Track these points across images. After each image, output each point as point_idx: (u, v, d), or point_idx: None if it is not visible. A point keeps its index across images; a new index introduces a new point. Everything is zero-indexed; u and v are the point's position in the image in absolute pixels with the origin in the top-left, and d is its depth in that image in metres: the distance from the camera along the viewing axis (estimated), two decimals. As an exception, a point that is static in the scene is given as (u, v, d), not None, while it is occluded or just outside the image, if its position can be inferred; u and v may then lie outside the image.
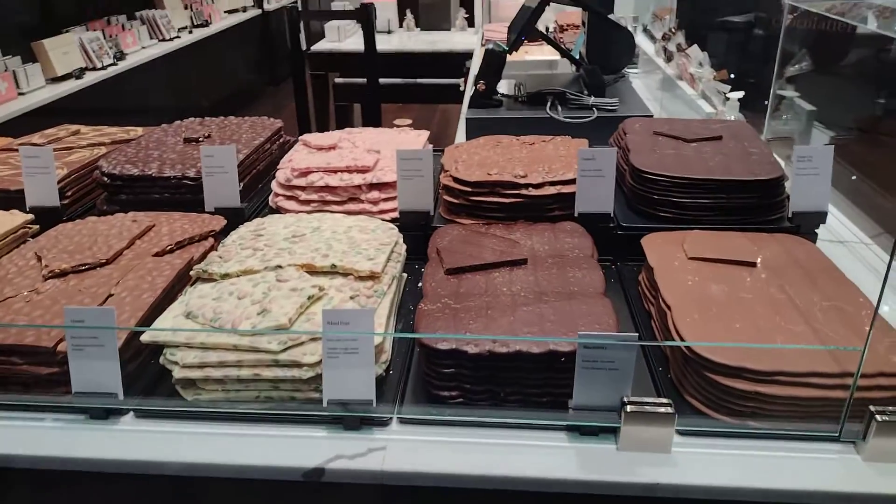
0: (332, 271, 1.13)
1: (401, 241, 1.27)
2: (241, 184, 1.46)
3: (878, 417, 0.86)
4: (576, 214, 1.33)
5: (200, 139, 1.63)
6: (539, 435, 0.92)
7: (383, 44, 4.42)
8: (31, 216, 1.40)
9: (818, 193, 1.29)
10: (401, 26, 4.95)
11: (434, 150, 1.58)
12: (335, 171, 1.46)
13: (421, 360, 1.00)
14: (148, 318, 1.06)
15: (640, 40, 3.02)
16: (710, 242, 1.21)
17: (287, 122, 1.85)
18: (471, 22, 4.85)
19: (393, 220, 1.38)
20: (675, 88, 2.43)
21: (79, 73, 4.35)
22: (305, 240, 1.23)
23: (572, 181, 1.34)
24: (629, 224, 1.33)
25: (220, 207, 1.43)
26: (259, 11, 7.20)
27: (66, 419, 1.00)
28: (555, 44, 2.18)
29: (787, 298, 1.05)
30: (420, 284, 1.26)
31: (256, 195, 1.58)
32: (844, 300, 1.04)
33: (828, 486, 0.84)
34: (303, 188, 1.45)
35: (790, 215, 1.32)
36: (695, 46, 2.17)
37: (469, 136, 1.93)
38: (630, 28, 2.54)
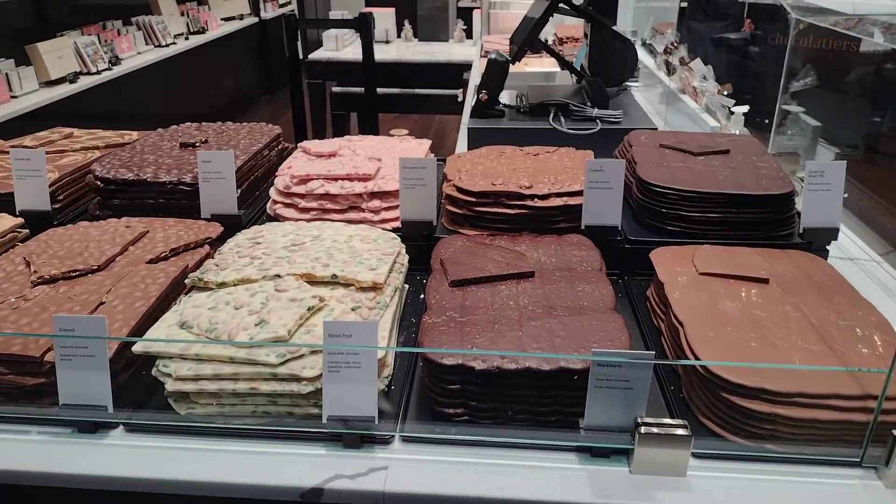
0: (333, 281, 1.10)
1: (403, 251, 1.23)
2: (239, 190, 1.42)
3: (901, 442, 0.83)
4: (582, 227, 1.30)
5: (197, 144, 1.59)
6: (548, 456, 0.88)
7: (381, 53, 4.41)
8: (20, 220, 1.36)
9: (830, 209, 1.26)
10: (399, 36, 4.94)
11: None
12: (336, 179, 1.43)
13: (425, 376, 0.96)
14: (140, 328, 1.02)
15: (640, 54, 3.01)
16: (721, 258, 1.18)
17: (284, 131, 1.82)
18: (469, 33, 4.85)
19: (394, 230, 1.34)
20: (678, 102, 2.42)
21: (73, 77, 4.31)
22: (305, 248, 1.19)
23: (579, 193, 1.31)
24: (636, 237, 1.30)
25: (216, 214, 1.39)
26: (256, 19, 7.20)
27: (51, 432, 0.95)
28: (557, 55, 2.16)
29: (802, 317, 1.02)
30: (422, 296, 1.23)
31: (254, 202, 1.54)
32: (861, 319, 1.01)
33: (849, 513, 0.81)
34: (302, 195, 1.41)
35: (801, 231, 1.30)
36: (697, 60, 2.16)
37: (471, 146, 1.91)
38: (631, 41, 2.53)
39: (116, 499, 0.91)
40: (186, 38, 5.83)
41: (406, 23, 4.86)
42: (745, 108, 1.84)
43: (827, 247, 1.30)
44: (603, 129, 1.86)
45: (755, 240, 1.29)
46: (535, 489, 0.84)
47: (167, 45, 5.48)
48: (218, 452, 0.91)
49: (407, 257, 1.24)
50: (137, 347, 0.96)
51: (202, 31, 6.10)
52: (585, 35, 2.30)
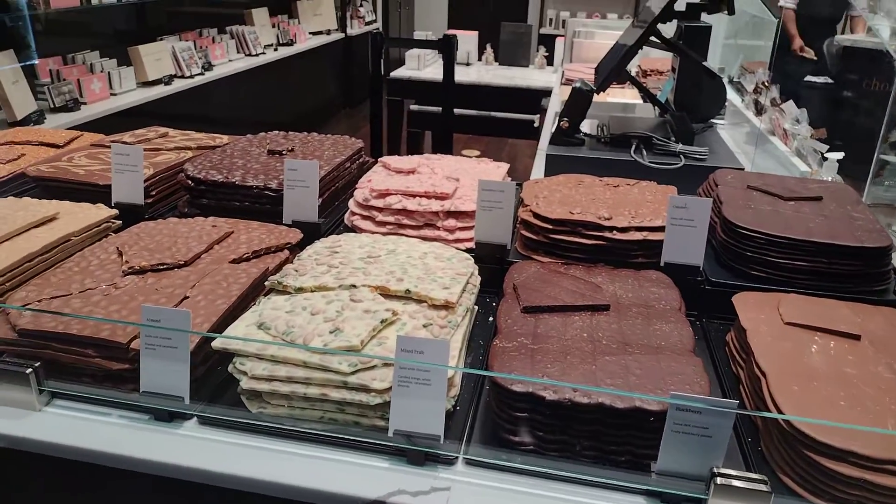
0: (406, 296, 1.10)
1: (476, 272, 1.23)
2: (320, 199, 1.46)
3: None
4: (661, 264, 1.26)
5: (284, 152, 1.65)
6: (616, 497, 0.85)
7: (462, 75, 4.46)
8: (115, 211, 1.43)
9: (932, 267, 1.19)
10: (480, 59, 4.99)
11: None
12: (413, 196, 1.44)
13: (492, 400, 0.95)
14: (221, 325, 1.05)
15: (728, 92, 2.93)
16: (809, 308, 1.12)
17: (365, 145, 1.86)
18: (550, 60, 4.85)
19: (468, 250, 1.35)
20: (766, 143, 2.34)
21: (168, 80, 4.55)
22: (380, 261, 1.21)
23: (660, 228, 1.28)
24: (718, 279, 1.26)
25: (297, 221, 1.43)
26: (342, 35, 7.43)
27: (130, 417, 0.99)
28: (642, 87, 2.13)
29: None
30: (491, 319, 1.22)
31: (333, 212, 1.58)
32: (964, 388, 0.94)
33: None
34: (380, 209, 1.44)
35: (897, 288, 1.23)
36: (790, 102, 2.08)
37: (548, 173, 1.90)
38: (719, 78, 2.47)
39: (184, 487, 0.94)
40: (276, 49, 6.08)
41: (488, 46, 4.92)
42: (840, 155, 1.76)
43: (926, 307, 1.22)
44: (686, 166, 1.82)
45: (845, 293, 1.22)
46: (599, 530, 0.81)
47: (257, 55, 5.72)
48: (284, 454, 0.93)
49: (479, 279, 1.24)
50: (216, 343, 0.99)
51: (291, 43, 6.34)
52: (673, 69, 2.26)
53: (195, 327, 1.01)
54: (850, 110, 4.75)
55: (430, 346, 0.89)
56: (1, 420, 0.97)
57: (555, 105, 3.25)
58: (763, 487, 0.79)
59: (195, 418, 0.98)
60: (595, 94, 1.94)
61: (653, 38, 2.00)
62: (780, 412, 0.87)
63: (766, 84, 2.37)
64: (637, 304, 1.11)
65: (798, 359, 0.99)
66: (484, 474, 0.89)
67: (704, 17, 2.22)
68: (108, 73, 4.14)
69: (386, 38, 4.06)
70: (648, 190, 1.49)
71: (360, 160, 1.78)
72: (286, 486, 0.88)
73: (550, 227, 1.33)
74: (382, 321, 1.02)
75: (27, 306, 1.05)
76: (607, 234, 1.30)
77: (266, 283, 1.15)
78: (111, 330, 1.00)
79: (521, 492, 0.86)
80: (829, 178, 1.77)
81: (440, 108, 4.37)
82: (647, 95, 2.18)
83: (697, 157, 1.84)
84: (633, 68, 3.45)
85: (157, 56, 4.50)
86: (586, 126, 2.06)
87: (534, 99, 4.30)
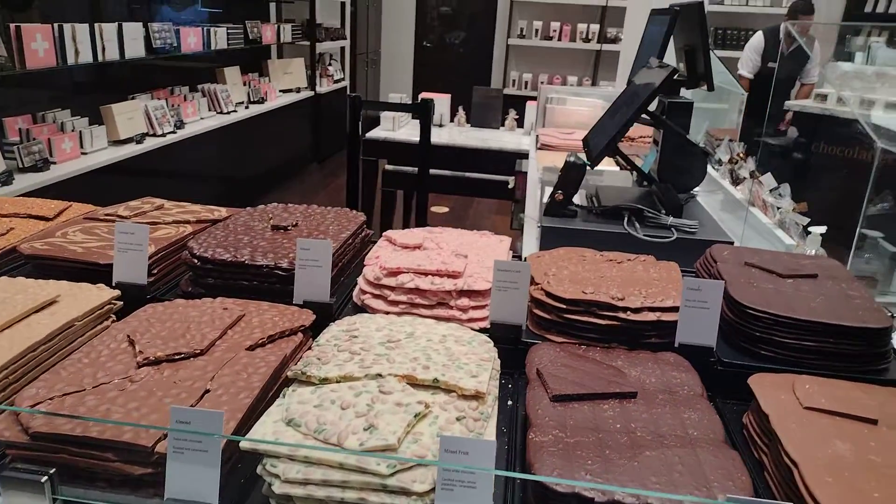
0: (434, 385, 1.09)
1: (496, 356, 1.23)
2: (330, 278, 1.45)
3: None
4: (676, 345, 1.29)
5: (288, 227, 1.64)
6: None
7: (435, 136, 4.54)
8: (117, 292, 1.39)
9: (933, 348, 1.24)
10: (451, 121, 5.10)
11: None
12: (425, 274, 1.45)
13: (532, 498, 0.94)
14: (245, 421, 1.02)
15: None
16: (825, 391, 1.15)
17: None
18: (520, 122, 4.99)
19: (482, 330, 1.35)
20: (739, 210, 2.44)
21: (140, 138, 4.51)
22: (401, 346, 1.20)
23: (672, 309, 1.31)
24: (729, 360, 1.29)
25: (308, 301, 1.41)
26: (312, 93, 7.51)
27: (151, 525, 0.94)
28: (630, 162, 2.21)
29: (921, 466, 0.98)
30: (510, 402, 1.22)
31: (341, 289, 1.56)
32: None
33: None
34: (392, 288, 1.43)
35: (901, 367, 1.27)
36: (769, 175, 2.19)
37: (544, 244, 1.93)
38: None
39: None
40: (247, 107, 6.10)
41: (460, 109, 5.03)
42: (823, 229, 1.85)
43: (929, 385, 1.27)
44: (679, 239, 1.87)
45: (850, 372, 1.26)
46: None
47: (228, 113, 5.73)
48: (320, 563, 0.89)
49: (499, 362, 1.24)
50: (245, 444, 0.96)
51: (262, 101, 6.38)
52: (655, 141, 2.36)
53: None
54: (806, 171, 5.00)
55: (475, 446, 0.87)
56: (11, 533, 0.91)
57: (532, 169, 3.33)
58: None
59: (224, 526, 0.93)
60: (589, 168, 2.00)
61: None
62: (819, 506, 0.88)
63: (742, 156, 2.49)
64: (661, 391, 1.13)
65: (824, 447, 1.01)
66: (532, 580, 0.87)
67: (684, 91, 2.34)
68: (80, 132, 4.08)
69: (365, 102, 4.12)
70: (652, 267, 1.53)
71: (363, 234, 1.78)
72: None
73: (564, 306, 1.35)
74: (416, 415, 1.00)
75: (37, 406, 1.00)
76: (621, 315, 1.32)
77: (289, 373, 1.13)
78: (133, 432, 0.95)
79: None
80: (813, 251, 1.85)
81: (415, 168, 4.43)
82: (635, 169, 2.25)
83: (688, 229, 1.91)
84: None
85: (129, 115, 4.46)
86: (576, 196, 2.11)
87: (506, 160, 4.39)
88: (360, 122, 4.15)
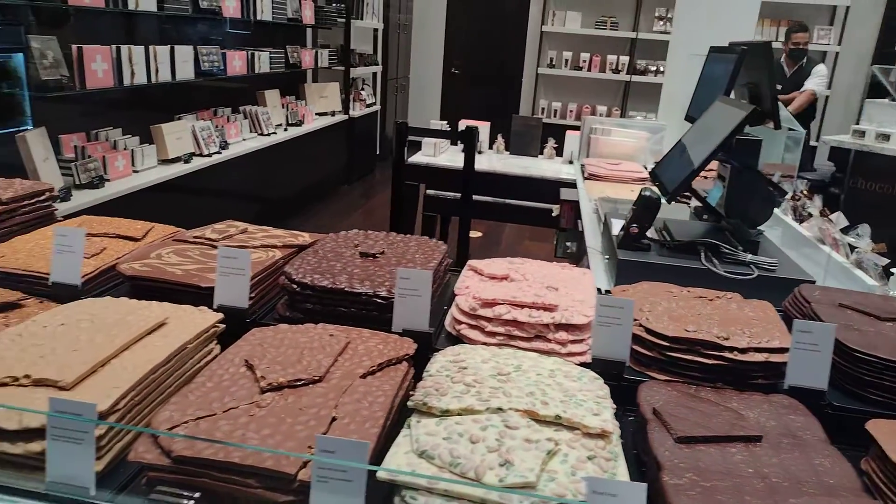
0: (556, 422, 1.09)
1: (608, 393, 1.23)
2: (426, 307, 1.46)
3: None
4: (786, 387, 1.28)
5: (376, 255, 1.66)
6: None
7: (476, 163, 4.57)
8: (220, 315, 1.41)
9: None
10: (490, 148, 5.14)
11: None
12: (521, 306, 1.45)
13: (671, 540, 0.93)
14: (376, 451, 1.02)
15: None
16: (947, 439, 1.14)
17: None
18: (559, 151, 5.02)
19: (582, 364, 1.35)
20: (803, 247, 2.43)
21: (188, 158, 4.58)
22: (513, 380, 1.20)
23: (780, 350, 1.31)
24: (841, 404, 1.28)
25: (407, 329, 1.42)
26: (346, 117, 7.61)
27: (289, 554, 0.94)
28: (702, 198, 2.22)
29: None
30: (622, 440, 1.21)
31: (432, 318, 1.57)
32: None
33: None
34: (489, 319, 1.44)
35: None
36: (839, 213, 2.19)
37: (620, 279, 1.93)
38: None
39: None
40: (285, 129, 6.19)
41: (499, 136, 5.08)
42: (906, 271, 1.84)
43: None
44: (759, 276, 1.87)
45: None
46: None
47: (268, 135, 5.82)
48: None
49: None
50: (383, 475, 0.96)
51: (299, 123, 6.47)
52: (721, 177, 2.36)
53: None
54: (851, 207, 4.97)
55: (625, 489, 0.87)
56: (155, 557, 0.91)
57: (584, 199, 3.33)
58: None
59: (366, 558, 0.93)
60: (666, 203, 2.00)
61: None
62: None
63: (805, 193, 2.49)
64: (784, 435, 1.12)
65: (961, 497, 1.00)
66: None
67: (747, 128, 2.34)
68: (132, 150, 4.15)
69: (410, 129, 4.18)
70: (746, 306, 1.53)
71: (445, 263, 1.79)
72: None
73: (667, 343, 1.35)
74: (548, 452, 1.00)
75: (174, 430, 1.01)
76: (727, 355, 1.32)
77: (410, 403, 1.13)
78: (275, 459, 0.96)
79: None
80: (894, 293, 1.84)
81: (454, 193, 4.47)
82: (705, 205, 2.26)
83: (768, 266, 1.90)
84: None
85: (178, 135, 4.55)
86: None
87: (547, 188, 4.41)
88: (405, 148, 4.20)
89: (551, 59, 9.21)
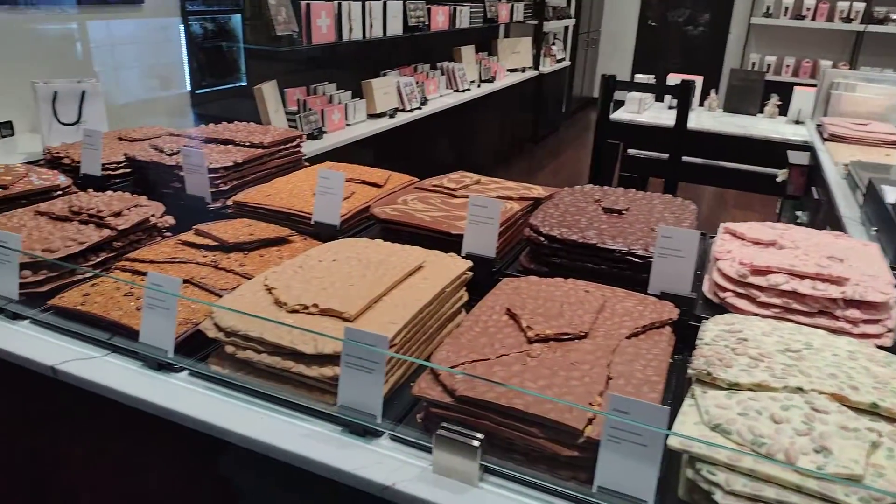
0: (870, 411, 0.95)
1: (926, 385, 1.05)
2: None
3: None
4: None
5: (622, 212, 1.57)
6: None
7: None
8: (470, 263, 1.41)
9: None
10: (701, 105, 4.74)
11: None
12: (802, 277, 1.29)
13: None
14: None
15: None
16: None
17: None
18: (783, 110, 4.49)
19: (880, 348, 1.17)
20: None
21: (392, 113, 4.76)
22: (806, 358, 1.06)
23: None
24: None
25: (665, 292, 1.32)
26: (536, 73, 7.47)
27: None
28: None
29: None
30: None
31: (686, 282, 1.45)
32: None
33: None
34: (762, 288, 1.29)
35: None
36: None
37: (901, 254, 1.66)
38: None
39: None
40: (478, 86, 6.21)
41: (712, 92, 4.66)
42: None
43: None
44: None
45: None
46: None
47: (463, 91, 5.87)
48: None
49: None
50: (674, 443, 0.89)
51: (491, 80, 6.46)
52: None
53: (641, 419, 0.92)
54: None
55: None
56: (441, 492, 0.93)
57: (828, 164, 2.94)
58: None
59: (657, 527, 0.88)
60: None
61: None
62: None
63: None
64: None
65: None
66: None
67: None
68: (346, 104, 4.39)
69: (618, 82, 3.96)
70: None
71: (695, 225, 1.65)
72: None
73: None
74: (871, 443, 0.87)
75: (455, 368, 1.02)
76: None
77: (690, 371, 1.05)
78: (557, 411, 0.93)
79: None
80: None
81: (659, 154, 4.19)
82: None
83: None
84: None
85: (385, 90, 4.73)
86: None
87: (768, 150, 3.98)
88: (611, 104, 4.00)
89: (768, 8, 8.24)
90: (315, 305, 1.17)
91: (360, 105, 4.54)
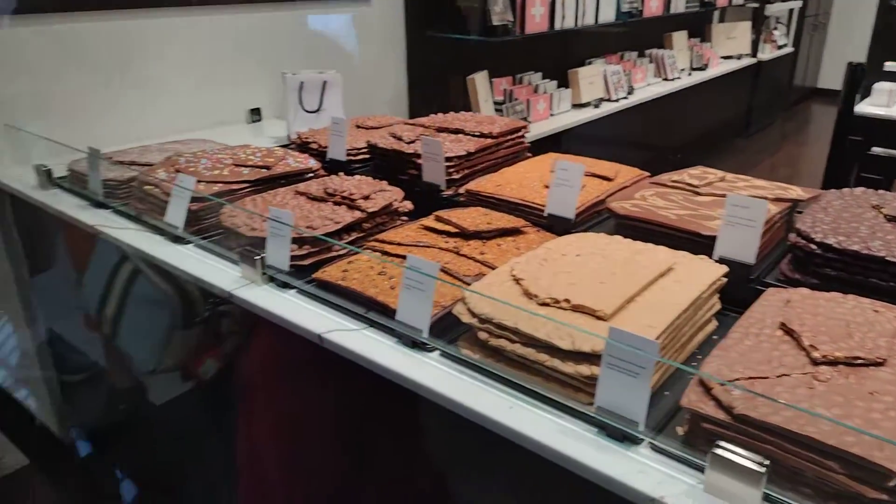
0: None
1: None
2: None
3: None
4: None
5: (909, 220, 1.35)
6: None
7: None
8: (725, 268, 1.30)
9: None
10: (972, 97, 4.00)
11: None
12: None
13: None
14: None
15: None
16: None
17: None
18: None
19: None
20: None
21: (597, 103, 4.63)
22: None
23: None
24: None
25: (978, 321, 1.11)
26: (753, 60, 6.85)
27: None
28: None
29: None
30: None
31: None
32: None
33: None
34: None
35: None
36: None
37: None
38: None
39: None
40: (689, 74, 5.84)
41: None
42: None
43: None
44: None
45: None
46: None
47: (672, 80, 5.55)
48: None
49: None
50: None
51: (703, 67, 6.04)
52: None
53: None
54: None
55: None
56: (716, 517, 0.87)
57: None
58: None
59: None
60: None
61: None
62: None
63: None
64: None
65: None
66: None
67: None
68: (551, 94, 4.36)
69: (867, 70, 3.47)
70: None
71: None
72: None
73: None
74: None
75: (734, 382, 0.94)
76: None
77: None
78: (863, 446, 0.82)
79: None
80: None
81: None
82: None
83: None
84: None
85: (590, 79, 4.62)
86: None
87: None
88: (856, 96, 3.52)
89: None
90: (567, 300, 1.15)
91: (565, 94, 4.48)
